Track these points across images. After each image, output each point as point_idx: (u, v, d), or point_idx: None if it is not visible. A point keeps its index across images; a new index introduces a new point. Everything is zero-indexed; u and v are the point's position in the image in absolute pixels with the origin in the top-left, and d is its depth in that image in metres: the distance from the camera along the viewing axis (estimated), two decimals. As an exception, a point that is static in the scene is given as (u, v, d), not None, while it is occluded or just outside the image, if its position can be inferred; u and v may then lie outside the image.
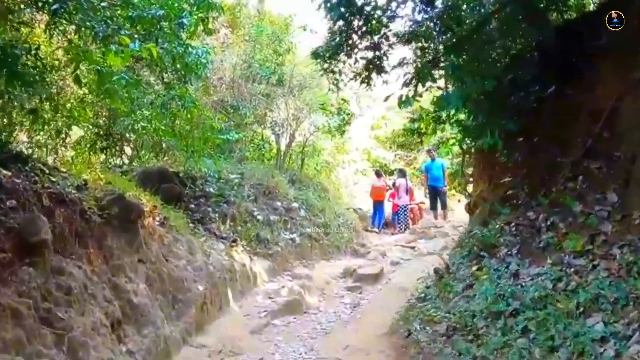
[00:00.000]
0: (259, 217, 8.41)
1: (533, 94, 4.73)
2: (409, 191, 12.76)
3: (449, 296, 4.66)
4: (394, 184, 13.08)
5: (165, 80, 8.05)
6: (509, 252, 4.53)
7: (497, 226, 4.99)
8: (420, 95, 4.92)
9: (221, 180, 8.89)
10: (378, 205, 12.91)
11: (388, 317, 5.81)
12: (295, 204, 9.57)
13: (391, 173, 16.03)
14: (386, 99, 5.40)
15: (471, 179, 8.26)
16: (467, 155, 8.17)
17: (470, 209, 7.44)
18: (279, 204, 9.19)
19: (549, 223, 4.47)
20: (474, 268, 4.70)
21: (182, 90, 7.61)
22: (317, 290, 7.51)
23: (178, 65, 7.12)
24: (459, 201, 14.27)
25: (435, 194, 12.80)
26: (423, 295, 5.13)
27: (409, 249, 10.24)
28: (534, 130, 5.04)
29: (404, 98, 4.95)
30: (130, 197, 5.28)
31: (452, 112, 5.30)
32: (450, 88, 5.13)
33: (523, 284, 3.98)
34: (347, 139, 15.49)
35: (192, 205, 8.10)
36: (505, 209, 4.95)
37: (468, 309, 4.12)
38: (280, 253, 8.12)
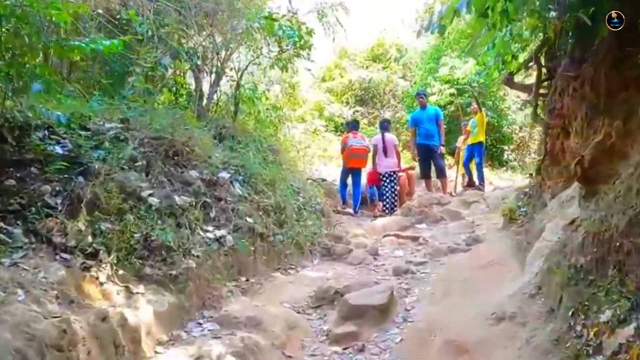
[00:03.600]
0: (152, 199, 4.28)
1: None
2: (395, 152, 8.85)
3: None
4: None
5: None
6: None
7: None
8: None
9: (81, 133, 4.64)
10: (355, 175, 8.88)
11: None
12: (224, 174, 5.49)
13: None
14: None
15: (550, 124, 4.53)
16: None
17: (582, 172, 3.76)
18: (194, 173, 5.07)
19: None
20: None
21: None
22: (274, 353, 3.57)
23: None
24: (450, 167, 10.69)
25: (428, 157, 9.05)
26: None
27: (410, 242, 6.50)
28: None
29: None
30: None
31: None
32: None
33: None
34: (298, 82, 11.34)
35: (10, 181, 3.84)
36: None
37: None
38: (194, 272, 4.05)
